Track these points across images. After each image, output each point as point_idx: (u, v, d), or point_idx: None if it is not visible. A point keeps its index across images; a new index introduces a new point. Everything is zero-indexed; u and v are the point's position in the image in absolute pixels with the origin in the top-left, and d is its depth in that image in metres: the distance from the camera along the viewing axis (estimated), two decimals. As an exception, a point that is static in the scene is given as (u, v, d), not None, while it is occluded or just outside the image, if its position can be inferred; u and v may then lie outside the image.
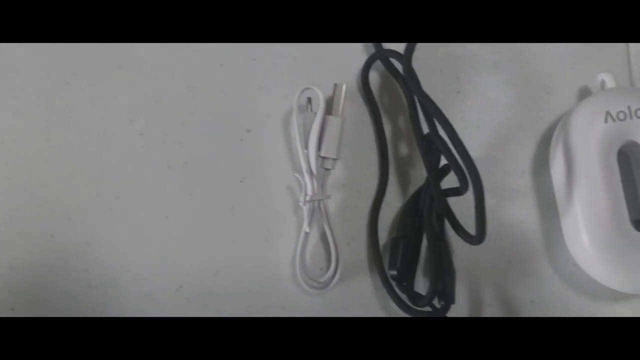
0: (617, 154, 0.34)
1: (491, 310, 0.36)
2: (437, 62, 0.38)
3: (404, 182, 0.37)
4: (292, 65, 0.38)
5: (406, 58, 0.34)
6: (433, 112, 0.33)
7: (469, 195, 0.31)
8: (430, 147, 0.34)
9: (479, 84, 0.38)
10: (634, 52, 0.38)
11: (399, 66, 0.37)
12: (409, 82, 0.34)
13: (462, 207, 0.34)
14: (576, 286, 0.36)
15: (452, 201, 0.33)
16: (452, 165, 0.33)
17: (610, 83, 0.35)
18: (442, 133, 0.33)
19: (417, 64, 0.37)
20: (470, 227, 0.32)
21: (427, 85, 0.37)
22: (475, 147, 0.37)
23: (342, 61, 0.38)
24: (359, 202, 0.37)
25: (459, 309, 0.36)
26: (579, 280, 0.35)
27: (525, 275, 0.36)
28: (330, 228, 0.36)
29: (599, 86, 0.36)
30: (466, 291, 0.36)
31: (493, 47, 0.38)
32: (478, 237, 0.32)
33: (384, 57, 0.37)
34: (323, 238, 0.36)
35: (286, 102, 0.37)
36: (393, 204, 0.37)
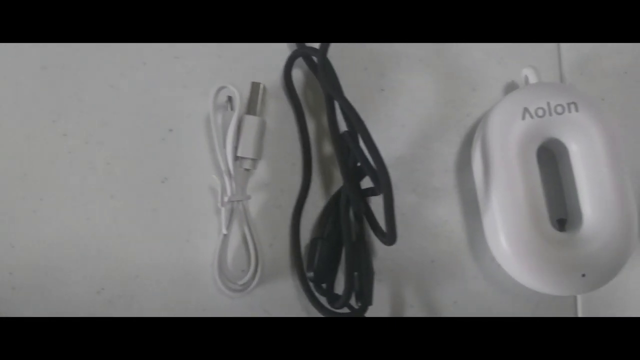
0: (536, 151, 0.33)
1: (413, 311, 0.36)
2: (362, 60, 0.37)
3: (327, 181, 0.37)
4: (215, 63, 0.38)
5: (321, 55, 0.34)
6: (347, 110, 0.33)
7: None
8: (346, 146, 0.33)
9: (404, 81, 0.37)
10: (565, 45, 0.37)
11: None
12: (324, 79, 0.33)
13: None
14: (500, 286, 0.35)
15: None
16: (364, 165, 0.32)
17: (532, 78, 0.34)
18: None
19: (342, 61, 0.37)
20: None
21: (352, 83, 0.36)
22: (399, 146, 0.37)
23: (266, 59, 0.37)
24: (282, 202, 0.36)
25: (380, 310, 0.35)
26: (502, 280, 0.34)
27: (449, 275, 0.36)
28: (250, 229, 0.35)
29: (524, 82, 0.35)
30: (389, 292, 0.36)
31: (419, 43, 0.37)
32: (389, 238, 0.31)
33: (304, 54, 0.36)
34: (245, 239, 0.35)
35: (209, 101, 0.37)
36: (318, 203, 0.37)
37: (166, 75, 0.37)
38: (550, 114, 0.32)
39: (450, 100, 0.37)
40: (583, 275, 0.31)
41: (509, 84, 0.37)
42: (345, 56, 0.37)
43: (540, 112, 0.32)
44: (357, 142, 0.33)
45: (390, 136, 0.37)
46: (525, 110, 0.33)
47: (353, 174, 0.34)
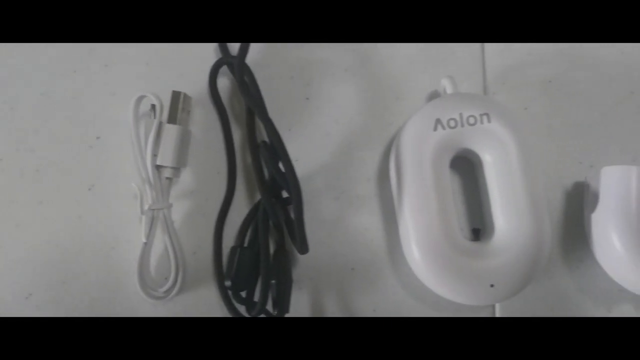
0: (450, 161, 0.34)
1: (332, 318, 0.36)
2: (288, 68, 0.37)
3: (252, 190, 0.37)
4: (143, 71, 0.38)
5: (238, 62, 0.34)
6: (262, 121, 0.33)
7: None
8: (262, 156, 0.34)
9: (330, 90, 0.37)
10: (489, 53, 0.37)
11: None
12: (241, 88, 0.34)
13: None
14: (417, 296, 0.36)
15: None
16: (277, 176, 0.32)
17: (449, 89, 0.34)
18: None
19: (268, 70, 0.37)
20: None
21: (278, 92, 0.37)
22: (323, 154, 0.37)
23: (194, 67, 0.38)
24: (207, 210, 0.37)
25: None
26: (420, 290, 0.34)
27: (368, 283, 0.36)
28: (171, 237, 0.35)
29: (443, 91, 0.35)
30: (308, 299, 0.36)
31: (344, 52, 0.38)
32: (300, 248, 0.32)
33: (227, 63, 0.36)
34: (166, 247, 0.36)
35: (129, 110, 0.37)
36: (242, 212, 0.37)
37: (95, 83, 0.38)
38: (463, 125, 0.33)
39: (374, 109, 0.37)
40: (492, 286, 0.32)
41: (432, 93, 0.37)
42: (271, 65, 0.37)
43: (452, 123, 0.33)
44: (272, 153, 0.33)
45: (315, 144, 0.37)
46: (438, 121, 0.33)
47: (270, 184, 0.34)
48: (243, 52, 0.34)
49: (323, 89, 0.37)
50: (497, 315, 0.36)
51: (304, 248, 0.32)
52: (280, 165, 0.32)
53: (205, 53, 0.38)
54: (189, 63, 0.38)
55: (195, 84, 0.37)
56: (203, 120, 0.37)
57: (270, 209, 0.33)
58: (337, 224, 0.36)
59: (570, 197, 0.36)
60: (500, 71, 0.37)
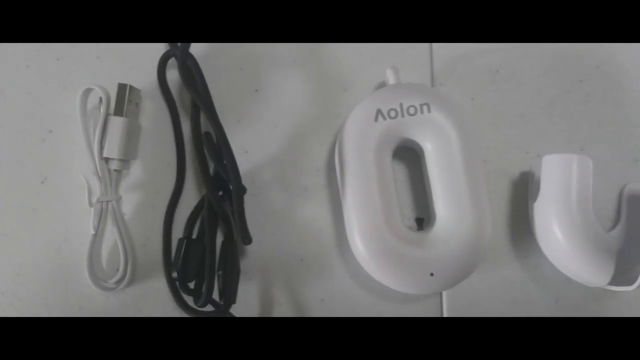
0: (392, 152, 0.34)
1: (281, 309, 0.36)
2: (237, 61, 0.38)
3: (201, 182, 0.37)
4: (94, 65, 0.38)
5: (180, 53, 0.34)
6: (205, 111, 0.33)
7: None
8: (205, 147, 0.34)
9: (278, 82, 0.37)
10: (437, 45, 0.37)
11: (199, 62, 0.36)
12: (183, 80, 0.34)
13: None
14: (365, 285, 0.36)
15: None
16: (218, 167, 0.32)
17: (391, 80, 0.34)
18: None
19: (218, 61, 0.37)
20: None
21: (227, 84, 0.37)
22: (272, 145, 0.37)
23: (145, 60, 0.38)
24: (156, 202, 0.37)
25: (249, 308, 0.36)
26: (367, 279, 0.34)
27: (316, 274, 0.36)
28: (120, 229, 0.36)
29: (387, 82, 0.35)
30: (258, 290, 0.36)
31: (293, 44, 0.38)
32: (242, 239, 0.32)
33: (175, 55, 0.36)
34: (116, 239, 0.36)
35: (88, 103, 0.37)
36: (192, 204, 0.37)
37: (48, 77, 0.38)
38: (403, 115, 0.33)
39: (322, 101, 0.37)
40: (431, 275, 0.32)
41: (379, 84, 0.37)
42: (221, 56, 0.38)
43: (392, 114, 0.33)
44: (213, 146, 0.33)
45: (263, 136, 0.37)
46: (379, 112, 0.33)
47: (214, 176, 0.34)
48: (185, 46, 0.34)
49: (272, 81, 0.37)
50: (444, 304, 0.36)
51: (245, 239, 0.32)
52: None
53: (157, 46, 0.38)
54: (140, 56, 0.38)
55: (146, 77, 0.38)
56: (153, 113, 0.38)
57: (215, 201, 0.34)
58: (286, 215, 0.36)
59: (516, 187, 0.36)
60: (448, 62, 0.37)
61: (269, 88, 0.37)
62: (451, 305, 0.36)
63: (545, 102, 0.37)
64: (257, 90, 0.37)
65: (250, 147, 0.37)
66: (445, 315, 0.36)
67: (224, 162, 0.33)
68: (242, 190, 0.33)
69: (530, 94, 0.37)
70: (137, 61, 0.38)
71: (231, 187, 0.32)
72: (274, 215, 0.36)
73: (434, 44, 0.37)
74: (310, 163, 0.37)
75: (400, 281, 0.32)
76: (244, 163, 0.37)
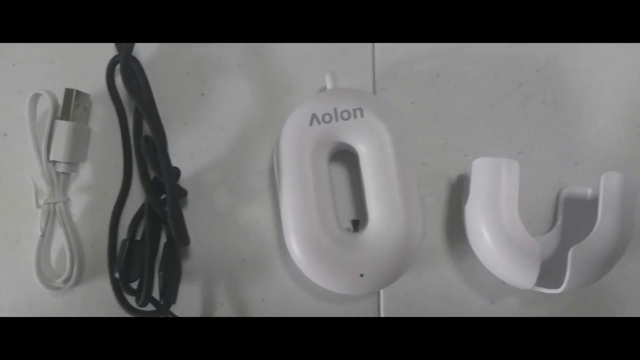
0: (329, 155, 0.34)
1: (223, 309, 0.37)
2: (184, 65, 0.38)
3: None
4: (48, 70, 0.39)
5: (123, 57, 0.35)
6: (143, 114, 0.34)
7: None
8: (142, 151, 0.35)
9: (224, 85, 0.38)
10: (379, 49, 0.38)
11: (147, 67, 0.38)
12: (125, 81, 0.35)
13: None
14: (304, 286, 0.36)
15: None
16: (155, 172, 0.33)
17: (329, 84, 0.35)
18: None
19: (164, 65, 0.38)
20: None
21: (174, 88, 0.38)
22: (218, 148, 0.38)
23: (98, 65, 0.39)
24: (104, 204, 0.38)
25: (192, 308, 0.37)
26: (307, 280, 0.35)
27: (258, 274, 0.37)
28: (67, 230, 0.37)
29: (327, 87, 0.36)
30: (200, 290, 0.37)
31: (238, 49, 0.38)
32: (177, 242, 0.33)
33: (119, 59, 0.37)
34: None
35: (41, 106, 0.38)
36: (139, 205, 0.38)
37: (3, 82, 0.39)
38: (337, 120, 0.33)
39: (267, 104, 0.38)
40: (361, 275, 0.32)
41: (322, 88, 0.38)
42: (168, 61, 0.38)
43: (327, 118, 0.33)
44: (148, 149, 0.34)
45: (209, 139, 0.38)
46: (314, 116, 0.33)
47: (154, 180, 0.35)
48: (128, 47, 0.35)
49: (218, 85, 0.38)
50: (382, 305, 0.36)
51: (181, 241, 0.33)
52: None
53: (109, 51, 0.39)
54: (92, 60, 0.39)
55: (99, 81, 0.39)
56: (103, 117, 0.38)
57: (154, 204, 0.34)
58: (230, 217, 0.37)
59: (454, 190, 0.37)
60: (390, 66, 0.38)
61: (215, 92, 0.38)
62: (388, 306, 0.36)
63: (484, 105, 0.37)
64: (203, 94, 0.38)
65: (195, 150, 0.38)
66: (382, 314, 0.36)
67: (160, 165, 0.33)
68: (179, 193, 0.34)
69: (470, 98, 0.37)
70: (90, 65, 0.39)
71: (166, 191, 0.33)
72: (218, 217, 0.37)
73: (377, 46, 0.38)
74: (255, 166, 0.37)
75: (331, 282, 0.33)
76: (189, 166, 0.38)
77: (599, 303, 0.36)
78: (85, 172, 0.38)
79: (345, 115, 0.33)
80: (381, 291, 0.37)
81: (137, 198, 0.38)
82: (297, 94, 0.38)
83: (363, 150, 0.34)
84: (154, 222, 0.35)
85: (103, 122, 0.39)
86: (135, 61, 0.37)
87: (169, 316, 0.35)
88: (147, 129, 0.38)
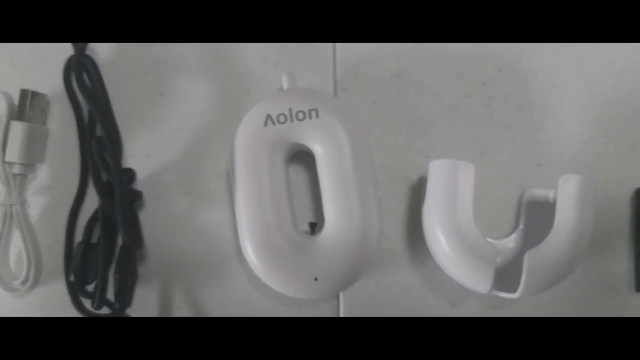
0: (286, 157, 0.34)
1: (180, 312, 0.36)
2: (142, 64, 0.38)
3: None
4: (9, 70, 0.38)
5: (75, 58, 0.34)
6: (95, 114, 0.34)
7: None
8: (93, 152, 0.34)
9: (183, 85, 0.37)
10: (341, 49, 0.37)
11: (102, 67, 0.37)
12: (77, 80, 0.34)
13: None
14: (262, 290, 0.36)
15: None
16: (106, 173, 0.33)
17: (286, 84, 0.34)
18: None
19: (123, 65, 0.38)
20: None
21: (132, 88, 0.37)
22: (175, 150, 0.37)
23: (58, 66, 0.38)
24: (62, 206, 0.37)
25: (149, 311, 0.36)
26: (264, 283, 0.34)
27: (217, 278, 0.36)
28: (23, 233, 0.36)
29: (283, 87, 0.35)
30: (158, 293, 0.37)
31: (198, 48, 0.38)
32: (128, 244, 0.32)
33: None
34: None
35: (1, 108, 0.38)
36: (96, 207, 0.37)
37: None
38: (292, 121, 0.33)
39: (227, 105, 0.37)
40: (316, 279, 0.32)
41: (282, 88, 0.37)
42: (126, 61, 0.38)
43: (282, 119, 0.33)
44: (96, 151, 0.33)
45: (167, 140, 0.37)
46: (269, 117, 0.33)
47: (107, 182, 0.35)
48: (81, 46, 0.35)
49: (177, 85, 0.38)
50: (342, 308, 0.36)
51: (132, 244, 0.33)
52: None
53: (70, 52, 0.38)
54: (53, 61, 0.38)
55: (58, 83, 0.38)
56: (62, 118, 0.38)
57: (108, 207, 0.34)
58: (187, 220, 0.37)
59: (415, 192, 0.36)
60: (351, 66, 0.37)
61: (174, 92, 0.38)
62: (348, 310, 0.36)
63: (447, 106, 0.37)
64: (161, 94, 0.38)
65: (153, 151, 0.37)
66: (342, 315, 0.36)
67: (111, 168, 0.33)
68: (133, 195, 0.33)
69: (432, 98, 0.37)
70: (51, 66, 0.38)
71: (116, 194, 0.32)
72: (175, 220, 0.37)
73: (338, 46, 0.37)
74: (213, 167, 0.37)
75: (285, 285, 0.32)
76: (146, 167, 0.37)
77: (564, 307, 0.36)
78: (43, 174, 0.38)
79: (301, 116, 0.33)
80: (341, 295, 0.36)
81: (95, 200, 0.37)
82: (257, 94, 0.37)
83: (319, 151, 0.33)
84: (107, 225, 0.35)
85: (61, 123, 0.38)
86: (89, 60, 0.36)
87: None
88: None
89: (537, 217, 0.35)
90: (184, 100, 0.38)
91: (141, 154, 0.37)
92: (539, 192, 0.35)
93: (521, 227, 0.35)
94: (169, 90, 0.38)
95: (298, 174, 0.37)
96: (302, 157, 0.36)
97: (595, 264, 0.36)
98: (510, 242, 0.35)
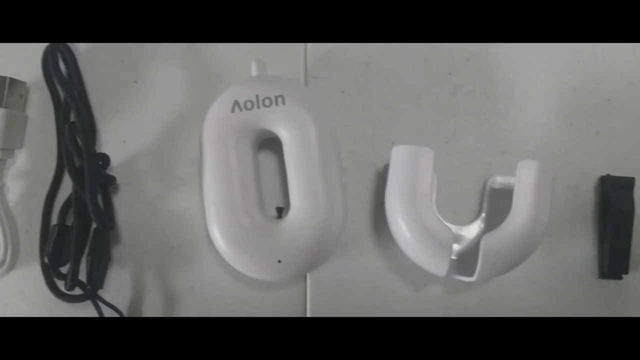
0: (254, 142, 0.35)
1: (151, 295, 0.37)
2: (119, 53, 0.39)
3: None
4: (-11, 57, 0.40)
5: (52, 45, 0.35)
6: (69, 100, 0.35)
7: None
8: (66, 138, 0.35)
9: (158, 73, 0.38)
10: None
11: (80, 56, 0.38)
12: (53, 69, 0.35)
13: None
14: (231, 273, 0.37)
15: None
16: (78, 157, 0.34)
17: (254, 71, 0.35)
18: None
19: (99, 54, 0.38)
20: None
21: (107, 75, 0.38)
22: (149, 136, 0.38)
23: (38, 52, 0.39)
24: (39, 190, 0.38)
25: (121, 293, 0.37)
26: (233, 267, 0.35)
27: (187, 261, 0.37)
28: (1, 216, 0.37)
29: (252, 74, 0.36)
30: (130, 275, 0.38)
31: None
32: (99, 226, 0.33)
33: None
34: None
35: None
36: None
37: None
38: (259, 107, 0.33)
39: (199, 92, 0.38)
40: (279, 262, 0.33)
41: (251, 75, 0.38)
42: (104, 48, 0.39)
43: (249, 105, 0.34)
44: (68, 137, 0.34)
45: (141, 127, 0.38)
46: (236, 103, 0.34)
47: (80, 167, 0.35)
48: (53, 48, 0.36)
49: (152, 73, 0.38)
50: (308, 291, 0.37)
51: (102, 226, 0.34)
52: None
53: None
54: (34, 49, 0.39)
55: (39, 71, 0.39)
56: (41, 104, 0.39)
57: (80, 190, 0.35)
58: (159, 205, 0.38)
59: (381, 178, 0.37)
60: (321, 55, 0.38)
61: (149, 79, 0.38)
62: (314, 293, 0.37)
63: (413, 94, 0.37)
64: (136, 82, 0.38)
65: (127, 137, 0.38)
66: (308, 301, 0.37)
67: (82, 152, 0.34)
68: (105, 179, 0.34)
69: (400, 87, 0.37)
70: (32, 55, 0.39)
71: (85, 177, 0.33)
72: (148, 204, 0.38)
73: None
74: (185, 154, 0.38)
75: (249, 267, 0.33)
76: (121, 153, 0.38)
77: (527, 292, 0.37)
78: (21, 159, 0.39)
79: (267, 102, 0.33)
80: (308, 278, 0.37)
81: (70, 184, 0.38)
82: (229, 81, 0.38)
83: (286, 137, 0.34)
84: (80, 208, 0.36)
85: (40, 109, 0.39)
86: (66, 48, 0.37)
87: (98, 302, 0.36)
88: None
89: (499, 204, 0.35)
90: (158, 87, 0.38)
91: (116, 140, 0.38)
92: (501, 179, 0.36)
93: (483, 213, 0.36)
94: (144, 78, 0.39)
95: (269, 160, 0.38)
96: (274, 144, 0.37)
97: (559, 249, 0.37)
98: (474, 228, 0.36)
